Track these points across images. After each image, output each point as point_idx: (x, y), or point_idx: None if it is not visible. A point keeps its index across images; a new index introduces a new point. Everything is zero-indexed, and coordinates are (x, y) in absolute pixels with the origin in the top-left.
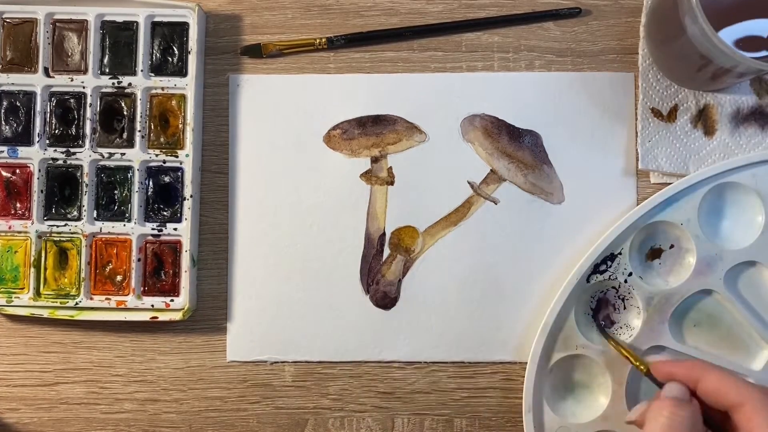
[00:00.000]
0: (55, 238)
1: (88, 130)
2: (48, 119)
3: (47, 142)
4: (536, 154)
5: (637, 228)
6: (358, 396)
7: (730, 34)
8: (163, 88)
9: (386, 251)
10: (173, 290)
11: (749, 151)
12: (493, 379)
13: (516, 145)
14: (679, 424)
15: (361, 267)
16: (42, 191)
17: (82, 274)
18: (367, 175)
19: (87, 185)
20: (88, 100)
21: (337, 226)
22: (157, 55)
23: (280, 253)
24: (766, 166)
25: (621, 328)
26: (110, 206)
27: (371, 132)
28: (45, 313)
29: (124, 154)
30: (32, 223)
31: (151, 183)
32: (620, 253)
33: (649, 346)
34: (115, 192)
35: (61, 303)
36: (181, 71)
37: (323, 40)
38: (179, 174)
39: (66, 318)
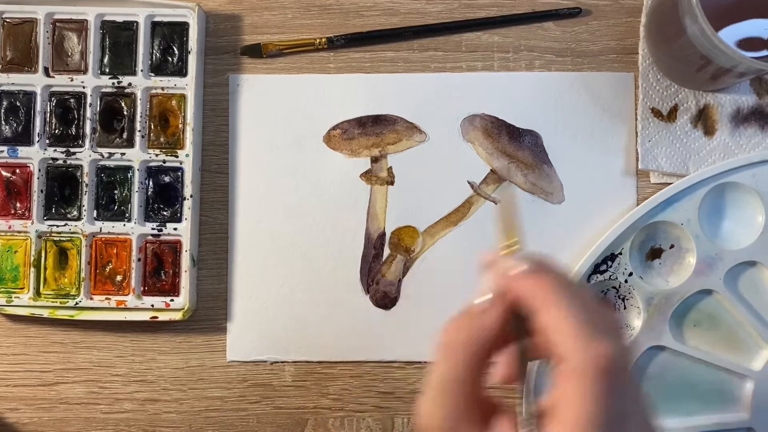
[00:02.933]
0: (55, 238)
1: (88, 130)
2: (48, 119)
3: (47, 142)
4: (536, 154)
5: (637, 228)
6: (358, 396)
7: (730, 34)
8: (163, 88)
9: (386, 251)
10: (173, 290)
11: (749, 151)
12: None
13: (516, 145)
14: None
15: (361, 267)
16: (42, 191)
17: (82, 274)
18: (367, 175)
19: (87, 185)
20: (88, 100)
21: (337, 226)
22: (157, 55)
23: (280, 253)
24: (766, 166)
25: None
26: (110, 206)
27: (371, 132)
28: (45, 313)
29: (124, 154)
30: (32, 223)
31: (151, 183)
32: (620, 253)
33: (649, 346)
34: (115, 192)
35: (61, 303)
36: (181, 71)
37: (323, 40)
38: (179, 174)
39: (66, 318)
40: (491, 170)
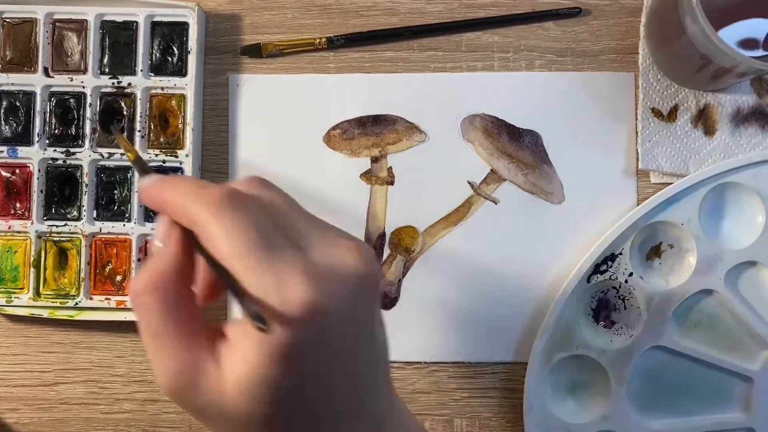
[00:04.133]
0: (55, 238)
1: (87, 130)
2: (48, 119)
3: (47, 142)
4: (536, 154)
5: (637, 228)
6: None
7: (731, 33)
8: (162, 88)
9: (386, 251)
10: None
11: (749, 151)
12: (493, 379)
13: (516, 145)
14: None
15: None
16: (42, 191)
17: (82, 274)
18: (367, 175)
19: (87, 185)
20: (88, 100)
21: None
22: (157, 55)
23: None
24: (767, 166)
25: (621, 328)
26: (110, 206)
27: (371, 132)
28: (45, 313)
29: (123, 154)
30: (32, 223)
31: None
32: (621, 253)
33: (649, 346)
34: (115, 192)
35: (60, 303)
36: (181, 71)
37: (323, 40)
38: (179, 174)
39: (66, 318)
40: (491, 170)
